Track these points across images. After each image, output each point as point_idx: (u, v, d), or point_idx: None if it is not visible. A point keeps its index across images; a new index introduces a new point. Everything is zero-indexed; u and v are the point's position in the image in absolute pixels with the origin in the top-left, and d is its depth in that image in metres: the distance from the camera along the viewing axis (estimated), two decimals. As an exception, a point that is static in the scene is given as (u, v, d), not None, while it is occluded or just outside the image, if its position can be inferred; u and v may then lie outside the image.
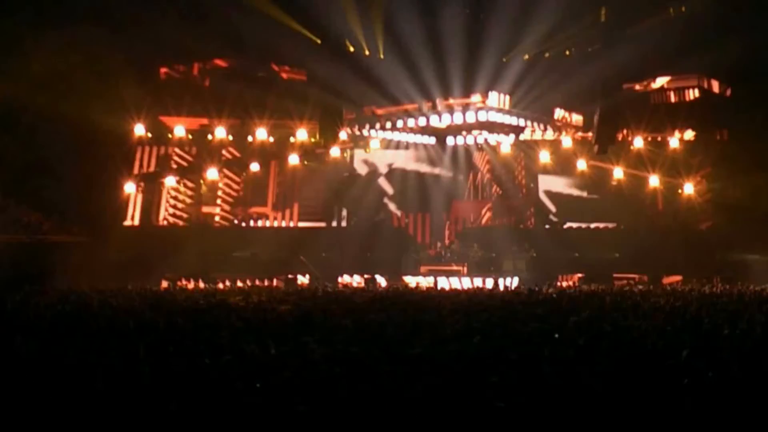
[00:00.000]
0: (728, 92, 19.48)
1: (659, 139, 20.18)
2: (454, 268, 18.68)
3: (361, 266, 18.80)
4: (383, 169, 21.56)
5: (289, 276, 18.44)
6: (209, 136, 19.78)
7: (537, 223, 21.54)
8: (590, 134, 19.31)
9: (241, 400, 4.83)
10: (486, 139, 20.36)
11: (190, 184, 20.91)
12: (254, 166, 20.46)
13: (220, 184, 21.06)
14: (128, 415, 4.44)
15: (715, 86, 19.79)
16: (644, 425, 4.39)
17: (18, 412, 4.40)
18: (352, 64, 18.01)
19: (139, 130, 19.08)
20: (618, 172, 19.99)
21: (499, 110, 18.60)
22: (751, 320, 7.78)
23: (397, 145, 21.08)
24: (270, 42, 17.80)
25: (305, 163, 20.62)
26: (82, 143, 17.09)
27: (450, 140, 20.33)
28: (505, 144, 20.39)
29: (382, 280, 17.95)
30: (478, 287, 16.57)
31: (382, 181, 21.81)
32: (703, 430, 4.37)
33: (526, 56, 18.64)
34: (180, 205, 20.89)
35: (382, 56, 18.73)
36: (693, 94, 19.77)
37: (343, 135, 19.67)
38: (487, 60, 18.47)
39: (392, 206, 21.78)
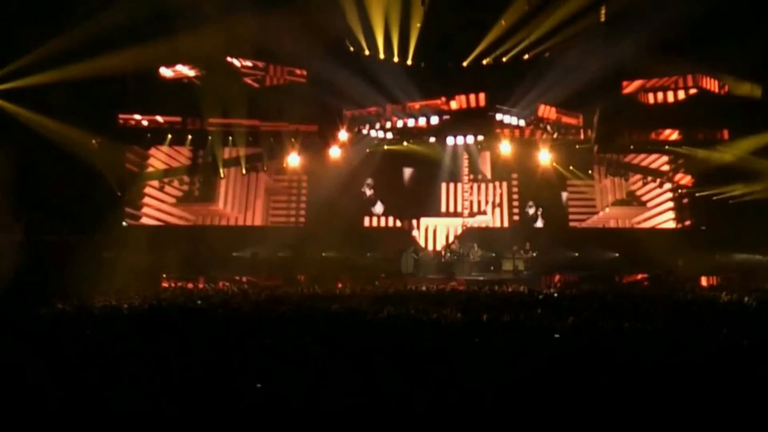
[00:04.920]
0: (725, 91, 19.49)
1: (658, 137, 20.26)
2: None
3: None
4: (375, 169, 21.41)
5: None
6: (209, 137, 19.94)
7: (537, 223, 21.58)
8: (590, 133, 19.37)
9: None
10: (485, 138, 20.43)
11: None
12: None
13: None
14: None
15: (715, 85, 19.79)
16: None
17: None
18: (350, 64, 17.96)
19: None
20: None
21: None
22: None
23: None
24: (267, 41, 17.79)
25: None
26: (80, 142, 17.09)
27: (450, 140, 20.36)
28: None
29: None
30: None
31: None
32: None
33: (526, 56, 18.61)
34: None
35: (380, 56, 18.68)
36: (691, 93, 19.76)
37: (342, 135, 19.69)
38: (477, 60, 18.56)
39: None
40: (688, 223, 20.55)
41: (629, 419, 4.44)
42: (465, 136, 20.26)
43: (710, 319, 8.24)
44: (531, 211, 21.45)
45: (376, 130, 19.73)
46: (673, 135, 19.98)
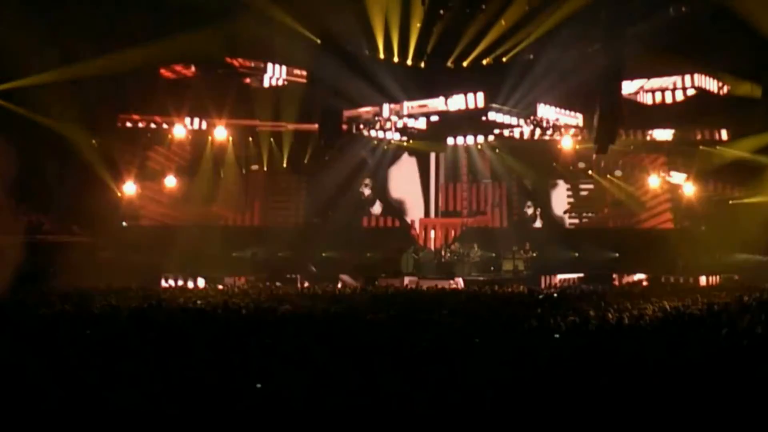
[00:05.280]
0: (725, 91, 19.50)
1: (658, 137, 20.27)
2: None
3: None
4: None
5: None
6: (209, 138, 19.99)
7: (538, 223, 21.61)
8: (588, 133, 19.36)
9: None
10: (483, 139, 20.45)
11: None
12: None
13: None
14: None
15: (714, 85, 19.79)
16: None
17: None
18: (349, 64, 17.91)
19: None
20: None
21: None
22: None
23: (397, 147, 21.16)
24: (266, 41, 17.78)
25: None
26: (80, 142, 17.10)
27: (449, 140, 20.40)
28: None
29: None
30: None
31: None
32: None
33: (526, 56, 18.58)
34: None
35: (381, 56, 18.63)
36: (691, 93, 19.74)
37: (342, 135, 19.66)
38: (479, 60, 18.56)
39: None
40: (686, 223, 20.50)
41: (629, 419, 4.45)
42: (465, 137, 20.29)
43: (710, 320, 8.25)
44: (530, 211, 21.50)
45: (376, 130, 19.76)
46: (673, 135, 19.93)
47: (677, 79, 19.70)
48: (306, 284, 16.13)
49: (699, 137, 19.89)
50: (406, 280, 18.15)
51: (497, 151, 21.24)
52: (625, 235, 20.70)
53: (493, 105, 18.73)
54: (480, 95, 18.63)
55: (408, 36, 18.29)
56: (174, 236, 19.29)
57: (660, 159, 21.15)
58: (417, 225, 21.48)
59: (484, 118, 18.86)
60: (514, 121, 19.24)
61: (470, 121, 19.10)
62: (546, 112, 19.42)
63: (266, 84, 19.69)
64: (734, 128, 18.86)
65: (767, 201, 17.48)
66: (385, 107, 19.22)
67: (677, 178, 20.78)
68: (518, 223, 21.49)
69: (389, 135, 20.10)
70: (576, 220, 22.02)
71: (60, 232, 16.48)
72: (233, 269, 18.57)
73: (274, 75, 19.73)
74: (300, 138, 20.07)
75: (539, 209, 21.48)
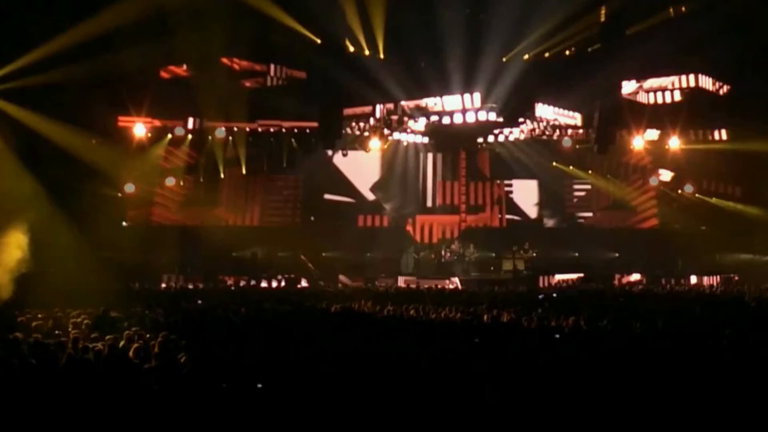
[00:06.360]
0: (724, 91, 19.47)
1: (657, 138, 20.21)
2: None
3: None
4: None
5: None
6: (209, 137, 19.93)
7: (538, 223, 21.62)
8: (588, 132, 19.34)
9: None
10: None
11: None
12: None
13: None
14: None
15: (713, 85, 19.77)
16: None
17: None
18: (349, 63, 17.86)
19: (139, 130, 19.08)
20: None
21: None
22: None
23: (397, 145, 21.12)
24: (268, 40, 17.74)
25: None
26: (80, 143, 17.06)
27: (448, 139, 20.36)
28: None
29: None
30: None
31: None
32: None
33: (526, 56, 18.56)
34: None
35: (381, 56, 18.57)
36: (689, 93, 19.70)
37: (341, 134, 19.63)
38: (483, 60, 18.50)
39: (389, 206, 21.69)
40: (677, 225, 20.41)
41: (630, 418, 4.45)
42: (464, 136, 20.24)
43: (711, 319, 8.26)
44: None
45: (375, 129, 19.70)
46: (673, 135, 19.89)
47: (674, 79, 19.69)
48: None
49: (695, 137, 19.85)
50: (406, 280, 18.11)
51: (495, 149, 21.18)
52: (625, 235, 20.64)
53: (492, 105, 18.69)
54: (477, 95, 18.60)
55: (408, 35, 18.25)
56: (174, 236, 19.24)
57: (656, 159, 21.06)
58: (414, 223, 21.40)
59: (483, 118, 18.81)
60: (513, 120, 19.19)
61: (471, 120, 19.08)
62: (545, 111, 19.36)
63: (266, 84, 19.65)
64: (733, 128, 18.83)
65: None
66: (385, 106, 19.18)
67: (670, 178, 20.71)
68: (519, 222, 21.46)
69: (387, 133, 20.07)
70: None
71: (59, 232, 16.41)
72: (233, 269, 18.55)
73: (275, 75, 19.70)
74: (300, 137, 20.00)
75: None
